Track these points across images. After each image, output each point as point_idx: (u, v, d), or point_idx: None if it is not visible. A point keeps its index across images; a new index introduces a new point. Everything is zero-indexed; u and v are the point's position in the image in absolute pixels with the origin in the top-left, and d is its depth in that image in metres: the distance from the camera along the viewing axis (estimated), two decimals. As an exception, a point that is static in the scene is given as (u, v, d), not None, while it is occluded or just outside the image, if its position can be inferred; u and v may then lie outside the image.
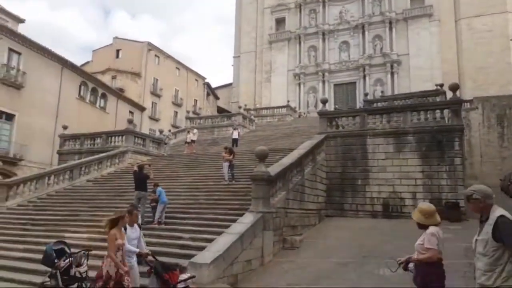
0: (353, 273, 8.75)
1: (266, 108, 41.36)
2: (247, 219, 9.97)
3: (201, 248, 8.81)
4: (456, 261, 9.26)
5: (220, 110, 52.11)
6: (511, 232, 3.59)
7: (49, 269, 7.90)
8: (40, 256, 8.38)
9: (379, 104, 26.32)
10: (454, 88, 15.51)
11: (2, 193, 15.25)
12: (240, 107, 36.01)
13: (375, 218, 15.06)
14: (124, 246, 6.14)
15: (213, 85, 58.33)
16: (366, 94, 36.56)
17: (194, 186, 14.92)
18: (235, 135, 22.71)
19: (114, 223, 6.08)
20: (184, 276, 6.25)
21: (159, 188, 11.77)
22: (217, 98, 58.29)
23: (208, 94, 55.70)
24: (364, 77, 45.48)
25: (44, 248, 8.39)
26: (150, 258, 6.40)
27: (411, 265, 4.76)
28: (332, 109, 33.08)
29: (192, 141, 22.40)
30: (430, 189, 14.68)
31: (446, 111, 15.48)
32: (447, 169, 14.64)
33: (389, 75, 44.32)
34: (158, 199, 11.59)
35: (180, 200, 13.08)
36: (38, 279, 8.41)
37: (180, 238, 10.12)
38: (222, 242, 8.63)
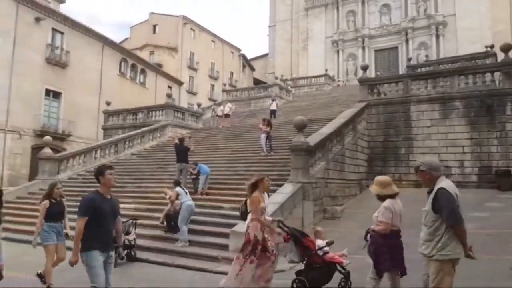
0: (396, 242, 8.57)
1: (303, 78, 40.55)
2: (286, 189, 9.98)
3: (242, 218, 8.97)
4: (506, 231, 8.89)
5: (256, 82, 51.78)
6: (446, 203, 3.66)
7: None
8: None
9: (423, 69, 25.03)
10: (506, 48, 14.42)
11: (54, 167, 16.19)
12: (276, 78, 35.61)
13: (419, 188, 14.59)
14: (266, 209, 5.90)
15: (249, 56, 57.85)
16: (409, 59, 34.87)
17: (233, 158, 15.06)
18: (274, 106, 22.53)
19: (254, 186, 5.78)
20: (321, 242, 5.99)
21: (199, 164, 12.01)
22: (253, 69, 57.86)
23: (244, 66, 55.38)
24: (407, 41, 43.36)
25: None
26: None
27: (369, 235, 4.87)
28: (373, 76, 31.93)
29: (226, 115, 22.29)
30: (479, 157, 13.97)
31: (497, 74, 14.47)
32: (497, 136, 13.82)
33: (433, 38, 41.98)
34: (198, 173, 11.82)
35: (220, 172, 13.25)
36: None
37: (220, 208, 10.32)
38: (262, 212, 8.69)
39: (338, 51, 47.52)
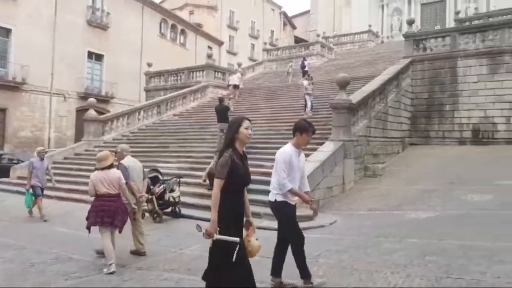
0: (438, 199, 8.52)
1: (346, 35, 39.10)
2: (327, 148, 10.02)
3: (283, 175, 9.15)
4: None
5: (298, 40, 50.39)
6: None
7: (146, 195, 8.78)
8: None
9: (473, 23, 23.41)
10: None
11: (98, 129, 16.60)
12: (318, 35, 34.38)
13: (463, 145, 14.23)
14: None
15: (290, 14, 56.26)
16: (457, 13, 32.48)
17: (274, 117, 15.14)
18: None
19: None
20: None
21: None
22: (294, 27, 56.35)
23: (285, 24, 53.97)
24: (456, -8, 40.39)
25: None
26: None
27: None
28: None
29: (235, 86, 18.61)
30: (528, 113, 13.27)
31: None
32: (549, 91, 12.98)
33: (485, -11, 38.74)
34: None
35: (261, 131, 13.36)
36: (137, 203, 9.44)
37: (262, 166, 10.46)
38: (303, 169, 8.82)
39: (382, 6, 45.27)
